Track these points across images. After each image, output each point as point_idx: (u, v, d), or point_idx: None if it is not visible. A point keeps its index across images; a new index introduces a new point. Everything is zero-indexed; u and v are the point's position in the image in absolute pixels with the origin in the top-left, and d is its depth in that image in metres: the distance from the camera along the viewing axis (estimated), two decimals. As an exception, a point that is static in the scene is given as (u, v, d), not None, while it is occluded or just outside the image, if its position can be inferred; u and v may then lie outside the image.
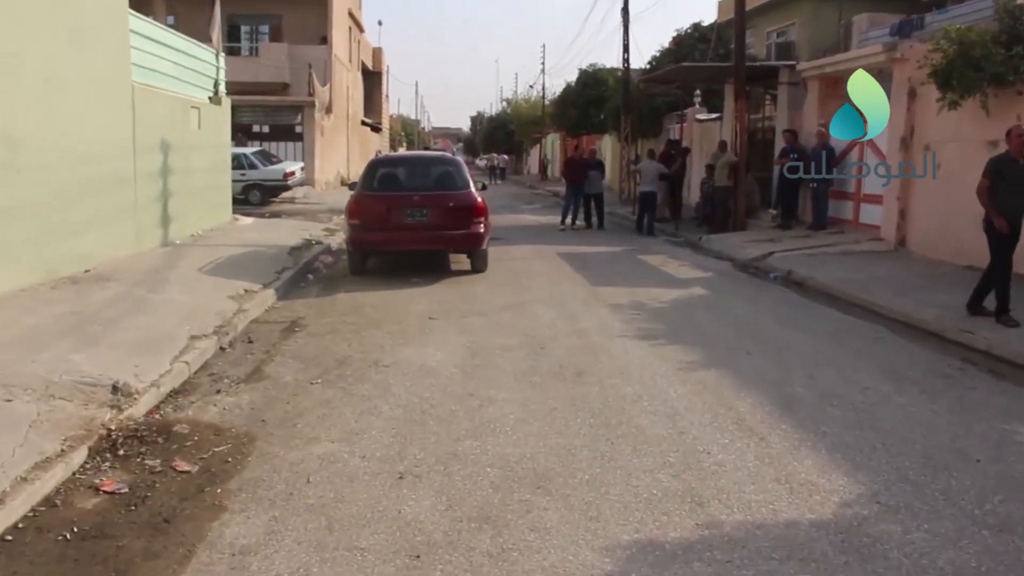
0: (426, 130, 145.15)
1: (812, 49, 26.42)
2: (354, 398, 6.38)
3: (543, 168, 55.67)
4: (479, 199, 12.15)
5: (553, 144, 53.38)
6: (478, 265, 12.65)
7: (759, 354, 7.85)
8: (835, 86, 18.14)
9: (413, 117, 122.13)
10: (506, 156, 64.32)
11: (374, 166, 12.65)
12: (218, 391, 6.60)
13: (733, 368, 7.29)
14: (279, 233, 16.85)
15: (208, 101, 16.83)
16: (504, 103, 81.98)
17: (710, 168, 20.90)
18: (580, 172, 20.79)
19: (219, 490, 4.66)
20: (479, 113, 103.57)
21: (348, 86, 40.92)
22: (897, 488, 4.79)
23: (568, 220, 20.84)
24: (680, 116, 29.03)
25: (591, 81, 40.55)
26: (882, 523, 4.33)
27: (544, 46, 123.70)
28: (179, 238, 14.31)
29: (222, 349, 8.00)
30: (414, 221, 11.87)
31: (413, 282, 11.83)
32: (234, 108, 32.98)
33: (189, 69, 15.39)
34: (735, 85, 19.48)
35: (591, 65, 42.09)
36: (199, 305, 9.30)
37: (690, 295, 11.18)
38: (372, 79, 60.01)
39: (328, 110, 34.90)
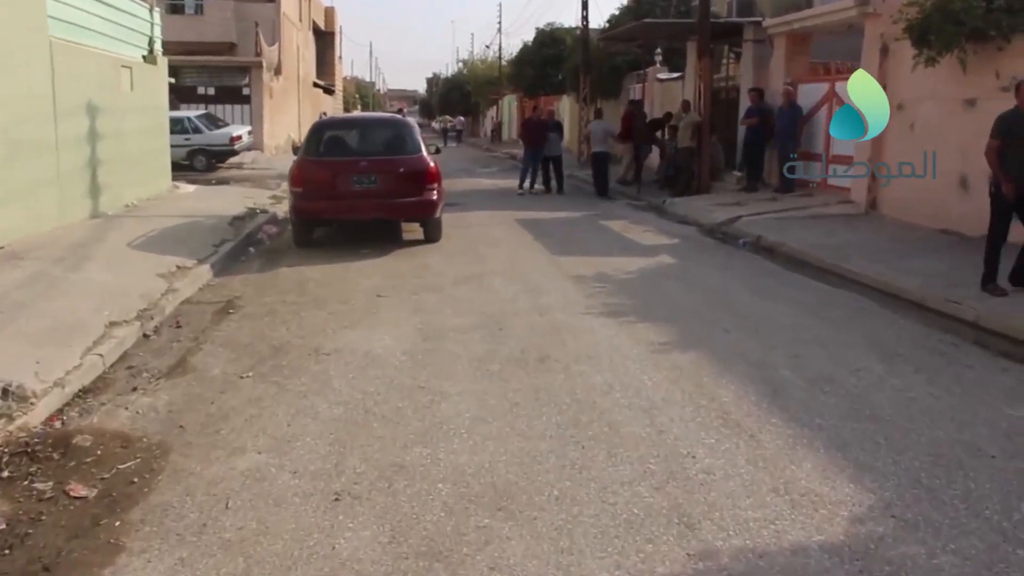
0: (381, 92, 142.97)
1: (774, 7, 25.74)
2: (289, 395, 5.63)
3: (496, 130, 54.65)
4: (432, 164, 11.35)
5: (510, 105, 52.36)
6: (432, 234, 11.87)
7: (737, 330, 7.21)
8: (802, 43, 17.54)
9: (368, 79, 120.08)
10: (462, 118, 63.09)
11: (318, 129, 11.74)
12: (134, 389, 5.82)
13: (711, 348, 6.64)
14: (222, 201, 15.91)
15: (142, 60, 15.77)
16: (460, 64, 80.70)
17: (672, 129, 20.24)
18: (539, 134, 20.01)
19: (118, 522, 3.89)
20: (435, 75, 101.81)
21: (298, 46, 39.57)
22: (911, 496, 4.17)
23: (527, 184, 20.09)
24: (640, 76, 28.29)
25: (549, 40, 39.68)
26: (902, 544, 3.71)
27: (501, 5, 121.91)
28: (111, 209, 13.35)
29: (145, 336, 7.19)
30: (362, 188, 11.04)
31: (362, 254, 11.04)
32: (177, 69, 31.85)
33: (119, 25, 14.30)
34: (699, 43, 18.75)
35: (549, 24, 41.13)
36: (123, 285, 8.45)
37: (658, 264, 10.52)
38: (324, 40, 58.46)
39: (277, 71, 33.63)
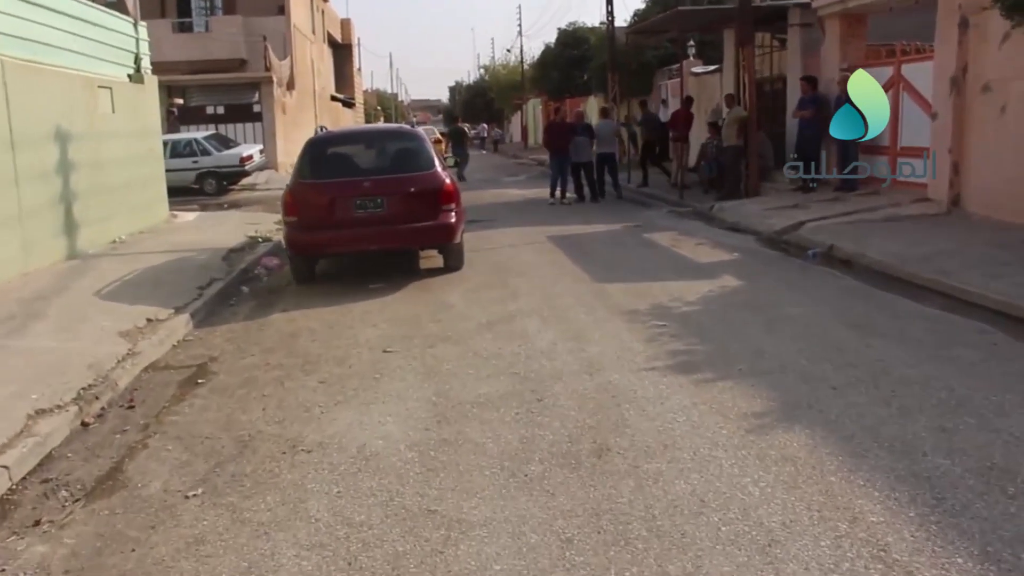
0: (405, 103, 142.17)
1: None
2: (244, 530, 3.95)
3: (525, 135, 53.05)
4: (448, 181, 9.69)
5: (535, 109, 50.76)
6: (452, 262, 10.21)
7: (849, 388, 5.46)
8: (858, 24, 15.72)
9: (390, 91, 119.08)
10: (485, 125, 61.54)
11: (313, 146, 10.07)
12: (37, 522, 4.18)
13: (824, 422, 4.90)
14: (222, 230, 14.37)
15: (127, 80, 14.27)
16: (481, 70, 79.26)
17: (713, 126, 18.47)
18: (563, 138, 18.33)
19: None
20: (457, 83, 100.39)
21: (313, 59, 38.17)
22: None
23: (558, 193, 18.40)
24: (673, 71, 26.54)
25: (572, 41, 38.19)
26: None
27: (520, 7, 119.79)
28: (93, 247, 11.84)
29: (84, 425, 5.58)
30: (366, 214, 9.39)
31: (371, 290, 9.41)
32: (184, 89, 30.59)
33: (96, 42, 12.80)
34: (739, 30, 17.02)
35: (571, 24, 39.62)
36: (71, 352, 6.86)
37: (722, 289, 8.77)
38: (342, 52, 57.22)
39: (290, 86, 32.20)
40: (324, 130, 10.70)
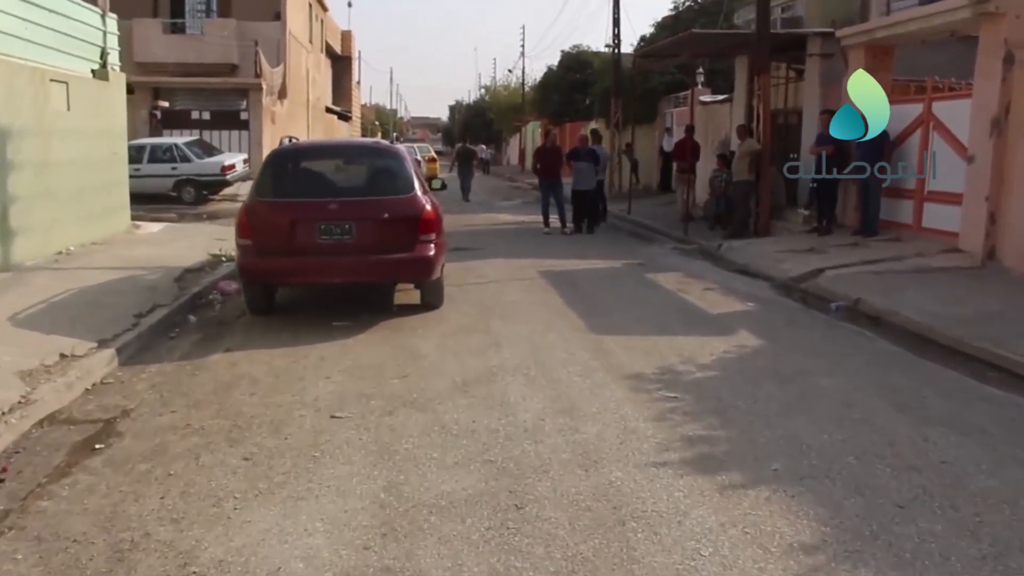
0: (404, 120, 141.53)
1: (823, 24, 22.81)
2: None
3: (522, 158, 51.99)
4: (428, 207, 8.44)
5: (534, 132, 49.71)
6: (430, 299, 8.97)
7: (918, 505, 4.21)
8: (884, 56, 14.57)
9: (389, 107, 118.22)
10: (483, 146, 60.44)
11: (276, 160, 8.80)
12: None
13: (898, 564, 3.65)
14: (186, 245, 13.11)
15: (90, 75, 13.05)
16: (482, 90, 78.43)
17: (722, 159, 17.33)
18: (554, 164, 17.18)
19: None
20: (458, 102, 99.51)
21: (308, 69, 37.04)
22: None
23: (560, 222, 17.19)
24: (679, 99, 25.47)
25: (575, 64, 37.41)
26: None
27: (524, 27, 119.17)
28: (32, 259, 10.56)
29: (-74, 508, 4.30)
30: (332, 241, 8.13)
31: (334, 329, 8.15)
32: (170, 91, 29.34)
33: (52, 30, 11.55)
34: (756, 56, 15.90)
35: (575, 46, 38.84)
36: (-53, 398, 5.58)
37: (739, 349, 7.53)
38: (341, 64, 56.24)
39: (282, 94, 31.03)
40: (295, 140, 9.32)
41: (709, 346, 7.54)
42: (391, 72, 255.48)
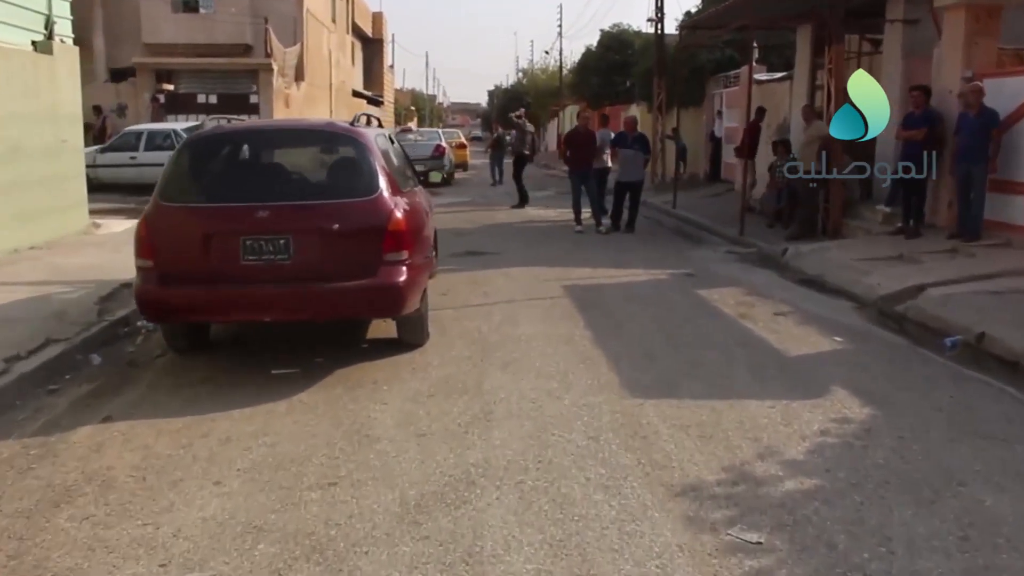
0: (443, 105, 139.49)
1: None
2: None
3: (560, 144, 49.52)
4: (398, 212, 6.07)
5: (571, 117, 47.22)
6: (408, 335, 6.66)
7: None
8: (990, 20, 11.93)
9: (426, 92, 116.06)
10: (515, 132, 57.91)
11: (191, 149, 6.44)
12: None
13: None
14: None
15: (30, 48, 10.90)
16: (520, 74, 75.96)
17: (783, 146, 14.82)
18: (586, 150, 14.77)
19: None
20: (496, 87, 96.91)
21: (331, 50, 34.87)
22: None
23: (594, 219, 14.80)
24: (729, 78, 22.89)
25: (615, 44, 34.91)
26: None
27: (561, 5, 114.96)
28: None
29: None
30: (261, 263, 5.82)
31: (270, 381, 5.93)
32: (174, 73, 27.21)
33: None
34: (830, 21, 13.37)
35: (614, 26, 36.25)
36: None
37: (841, 428, 5.10)
38: (372, 47, 54.27)
39: (299, 76, 28.87)
40: (227, 122, 6.90)
41: (797, 421, 5.15)
42: (427, 56, 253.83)
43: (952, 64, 11.94)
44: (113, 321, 7.51)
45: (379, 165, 6.05)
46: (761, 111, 16.09)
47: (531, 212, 18.16)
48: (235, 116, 7.31)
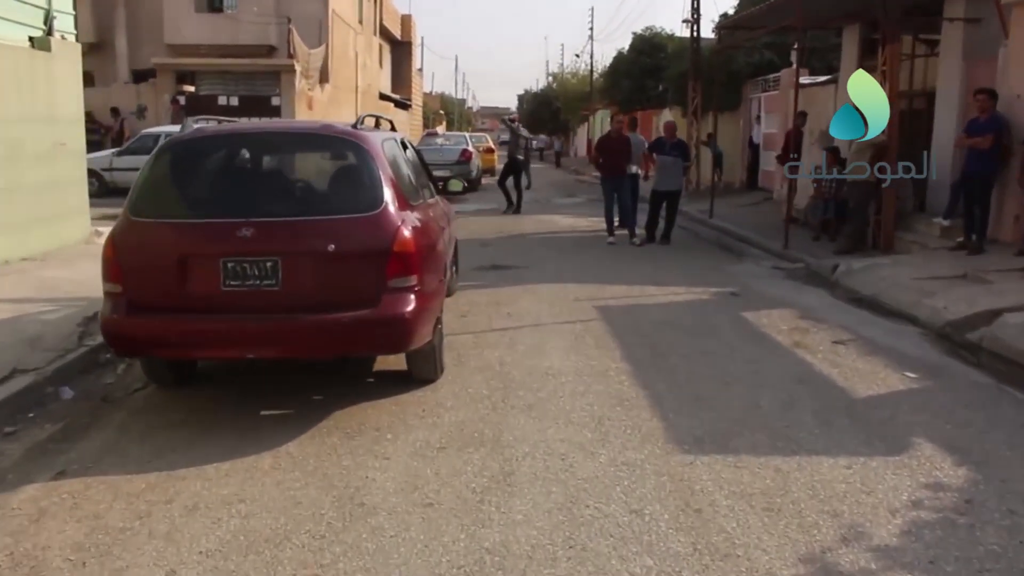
0: (472, 110, 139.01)
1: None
2: None
3: (590, 149, 48.64)
4: (407, 230, 5.20)
5: (602, 122, 46.32)
6: (419, 370, 5.81)
7: None
8: (1066, 16, 10.98)
9: (458, 96, 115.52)
10: (544, 136, 56.97)
11: (168, 155, 5.56)
12: None
13: None
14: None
15: (27, 44, 10.20)
16: (550, 78, 75.09)
17: (833, 154, 13.84)
18: (620, 158, 13.86)
19: None
20: (526, 91, 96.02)
21: (356, 51, 34.19)
22: None
23: (628, 231, 13.90)
24: (767, 82, 21.92)
25: (647, 47, 34.00)
26: None
27: (592, 9, 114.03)
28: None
29: None
30: (245, 289, 4.98)
31: (257, 424, 5.13)
32: (195, 74, 26.57)
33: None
34: (885, 19, 12.39)
35: (647, 29, 35.29)
36: None
37: (935, 498, 4.19)
38: (401, 50, 53.55)
39: (323, 78, 28.18)
40: (208, 124, 5.99)
41: (881, 487, 4.26)
42: (456, 59, 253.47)
43: (1021, 66, 10.95)
44: (93, 347, 6.72)
45: (384, 175, 5.19)
46: (803, 115, 15.11)
47: (561, 221, 17.29)
48: (227, 118, 6.42)
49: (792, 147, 13.90)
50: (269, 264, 4.91)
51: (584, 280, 10.20)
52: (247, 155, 5.55)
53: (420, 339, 5.23)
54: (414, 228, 5.24)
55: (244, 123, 6.20)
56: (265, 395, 5.74)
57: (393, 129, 7.16)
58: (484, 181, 28.49)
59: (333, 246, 4.90)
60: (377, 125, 6.42)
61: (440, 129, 56.77)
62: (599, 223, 14.72)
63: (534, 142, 50.30)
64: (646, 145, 15.21)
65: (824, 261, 11.44)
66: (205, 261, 4.95)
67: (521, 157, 19.23)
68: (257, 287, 4.92)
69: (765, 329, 7.85)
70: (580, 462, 4.56)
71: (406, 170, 6.08)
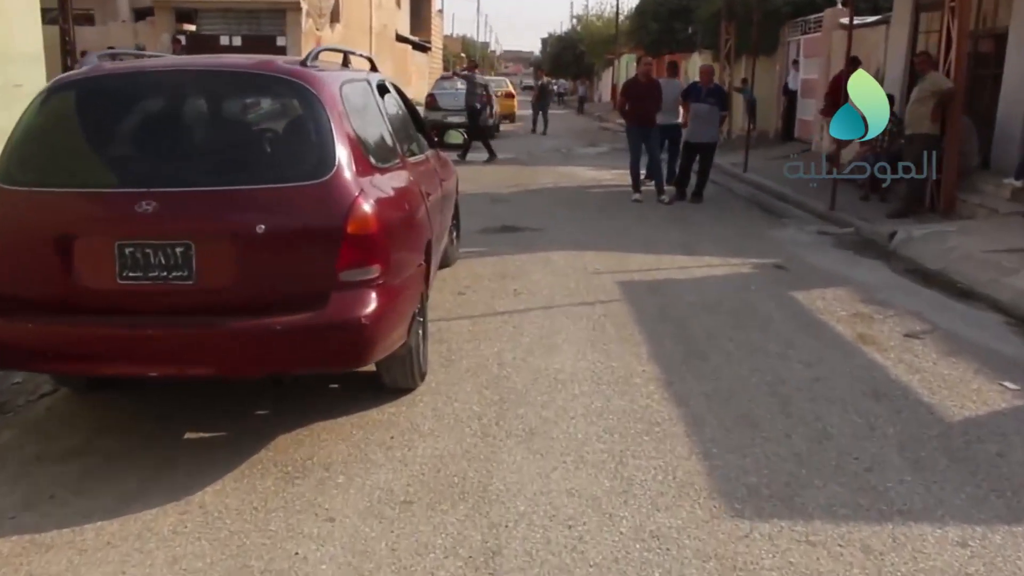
0: (496, 54, 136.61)
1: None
2: None
3: (615, 95, 46.86)
4: (363, 204, 3.81)
5: (627, 66, 44.50)
6: (392, 377, 4.56)
7: None
8: None
9: (480, 39, 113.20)
10: (563, 81, 55.22)
11: (54, 101, 4.08)
12: None
13: None
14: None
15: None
16: (574, 20, 72.82)
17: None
18: (648, 106, 12.37)
19: None
20: (550, 34, 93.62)
21: (370, -11, 32.57)
22: None
23: (656, 187, 12.49)
24: (808, 24, 20.28)
25: (675, -13, 32.14)
26: None
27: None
28: None
29: None
30: (147, 283, 3.70)
31: (182, 451, 3.95)
32: (193, 13, 25.12)
33: None
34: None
35: (676, -35, 33.35)
36: None
37: None
38: (421, -10, 51.79)
39: (334, 18, 26.64)
40: (87, 60, 4.60)
41: (1019, 585, 3.01)
42: (478, 1, 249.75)
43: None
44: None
45: (339, 129, 3.86)
46: (855, 61, 13.56)
47: (583, 174, 15.90)
48: (137, 51, 5.04)
49: (842, 96, 12.40)
50: (179, 250, 3.64)
51: (606, 247, 8.90)
52: (157, 102, 4.24)
53: (384, 348, 3.96)
54: (379, 200, 3.93)
55: (157, 59, 4.83)
56: (197, 407, 4.53)
57: (374, 69, 5.82)
58: (504, 128, 27.19)
59: (263, 226, 3.62)
60: (346, 63, 5.08)
61: (465, 71, 55.02)
62: (624, 176, 13.34)
63: (554, 86, 48.63)
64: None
65: (877, 226, 10.08)
66: (95, 245, 3.69)
67: (478, 106, 19.17)
68: (164, 281, 3.66)
69: (821, 315, 6.55)
70: (594, 532, 3.32)
71: (379, 123, 4.76)
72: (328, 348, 3.74)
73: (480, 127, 18.64)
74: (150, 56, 4.98)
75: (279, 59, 4.32)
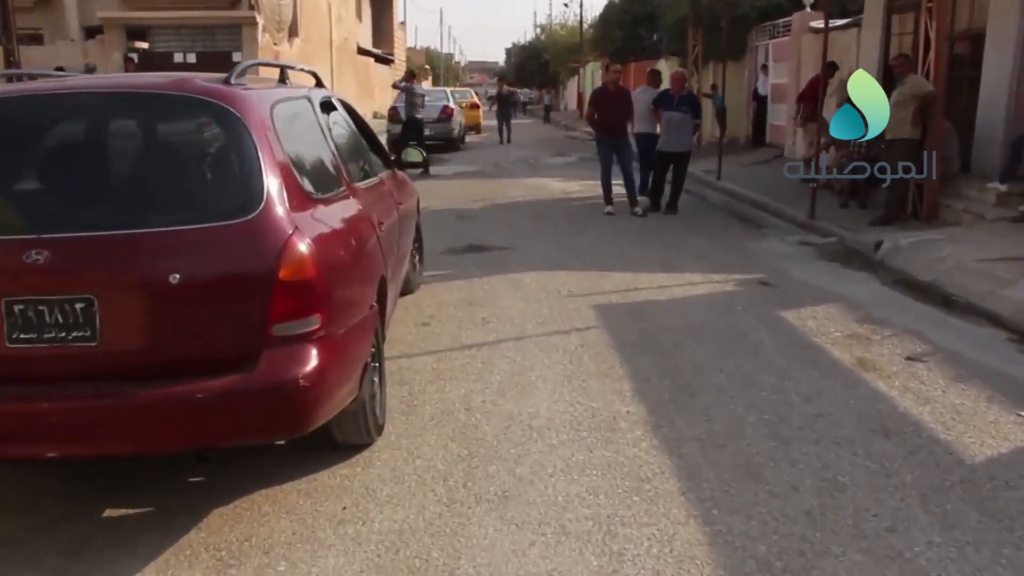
0: (460, 65, 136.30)
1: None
2: None
3: (581, 103, 46.49)
4: (298, 245, 3.23)
5: (592, 74, 44.19)
6: (345, 432, 3.96)
7: None
8: None
9: (444, 51, 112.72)
10: (527, 91, 54.91)
11: None
12: None
13: None
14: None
15: None
16: (538, 29, 72.66)
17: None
18: (617, 111, 11.89)
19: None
20: (514, 44, 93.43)
21: (330, 3, 31.97)
22: None
23: (628, 199, 11.99)
24: (776, 28, 19.99)
25: (639, -6, 31.91)
26: None
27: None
28: None
29: None
30: (43, 346, 3.11)
31: (97, 534, 3.36)
32: (145, 30, 24.38)
33: None
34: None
35: (640, -26, 33.12)
36: None
37: None
38: (381, 2, 51.27)
39: (292, 32, 26.04)
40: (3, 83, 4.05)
41: None
42: (441, 12, 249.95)
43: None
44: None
45: (268, 157, 3.29)
46: (832, 65, 13.16)
47: (551, 185, 15.41)
48: (35, 71, 4.42)
49: (820, 100, 12.04)
50: (80, 306, 3.06)
51: (579, 266, 8.40)
52: (51, 131, 3.65)
53: (329, 411, 3.40)
54: (318, 238, 3.37)
55: (55, 80, 4.23)
56: (121, 473, 3.94)
57: (319, 84, 5.25)
58: (469, 139, 26.79)
59: (178, 275, 3.06)
60: (283, 79, 4.51)
61: (426, 85, 54.52)
62: (594, 187, 12.87)
63: (519, 95, 48.22)
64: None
65: (862, 235, 9.66)
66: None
67: (419, 116, 19.03)
68: (63, 342, 3.08)
69: (815, 338, 6.07)
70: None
71: (320, 146, 4.20)
72: (261, 416, 3.17)
73: (422, 139, 18.21)
74: (46, 76, 4.35)
75: (198, 76, 3.74)
